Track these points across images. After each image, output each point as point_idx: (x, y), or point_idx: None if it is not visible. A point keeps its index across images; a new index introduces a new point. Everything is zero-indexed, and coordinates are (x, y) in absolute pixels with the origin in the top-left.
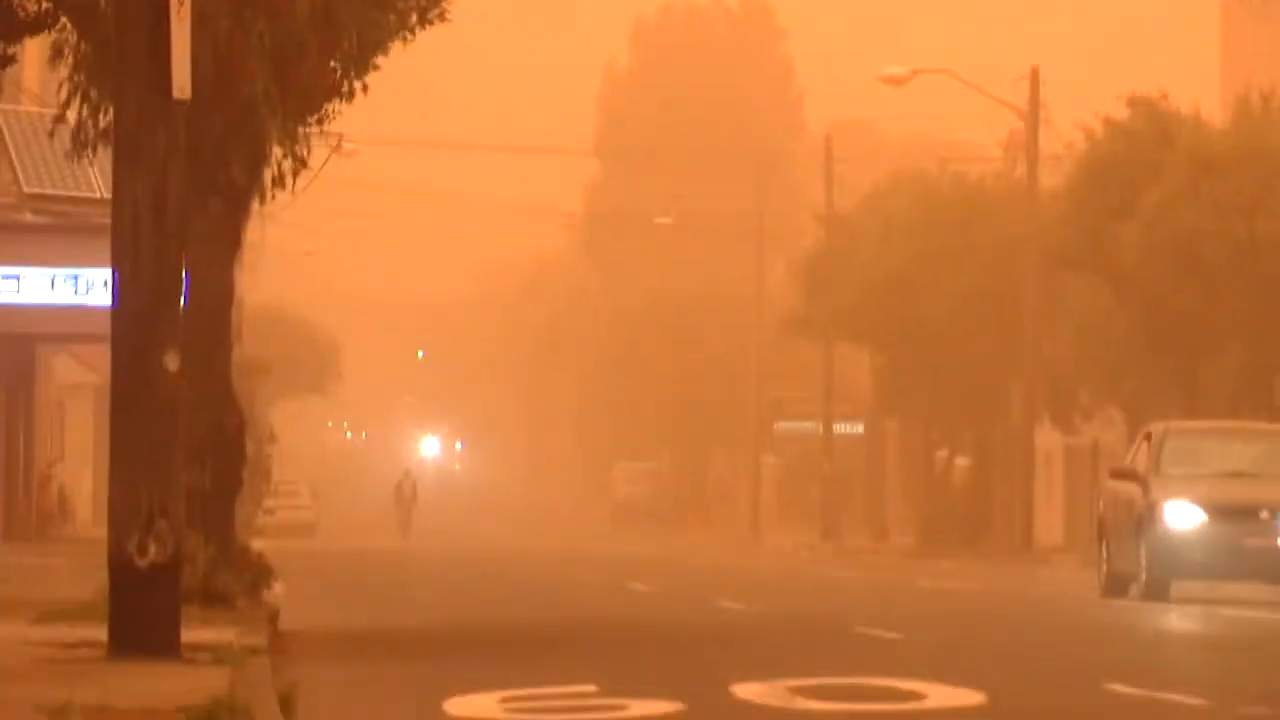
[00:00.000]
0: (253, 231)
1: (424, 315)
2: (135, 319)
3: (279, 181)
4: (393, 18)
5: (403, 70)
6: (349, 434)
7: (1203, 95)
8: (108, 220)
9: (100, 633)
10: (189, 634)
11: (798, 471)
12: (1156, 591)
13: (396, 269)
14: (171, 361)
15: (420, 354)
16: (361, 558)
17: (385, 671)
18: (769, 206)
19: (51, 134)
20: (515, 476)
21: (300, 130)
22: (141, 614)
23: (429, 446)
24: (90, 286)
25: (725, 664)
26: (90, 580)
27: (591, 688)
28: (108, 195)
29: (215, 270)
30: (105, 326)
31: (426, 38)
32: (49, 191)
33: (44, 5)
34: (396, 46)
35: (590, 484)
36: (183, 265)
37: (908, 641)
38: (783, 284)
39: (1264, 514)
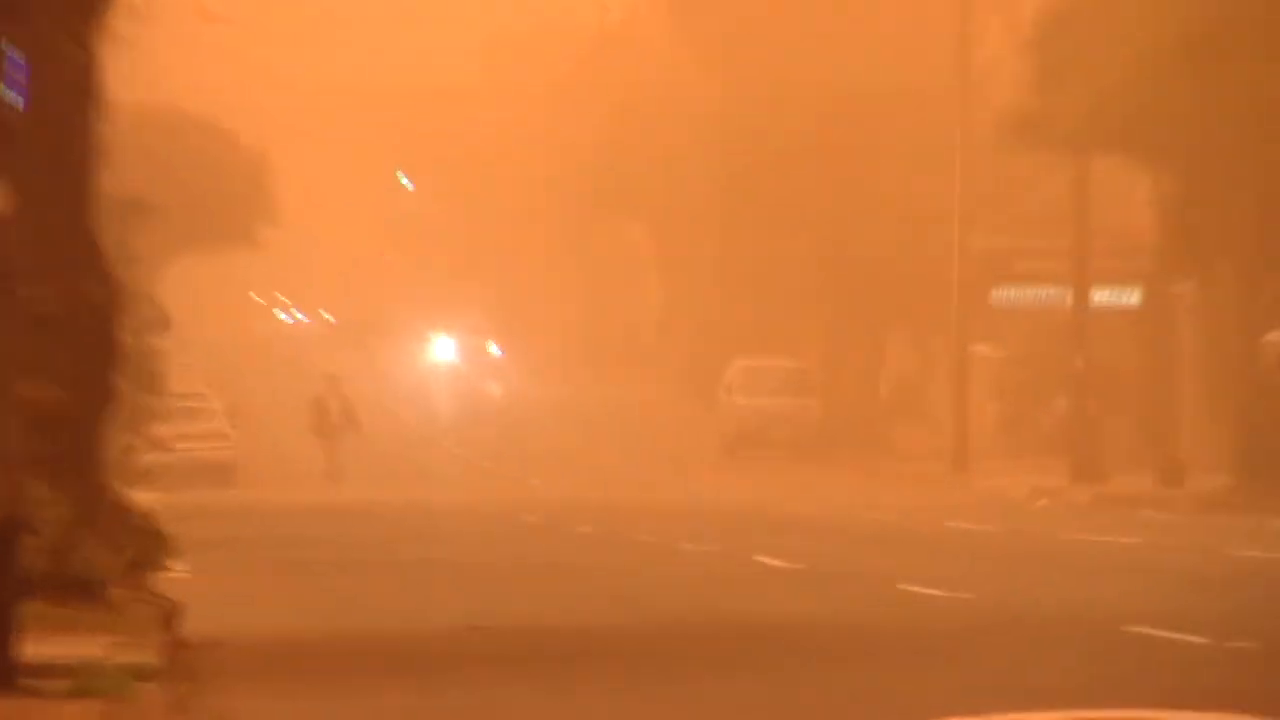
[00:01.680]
0: None
1: (409, 116)
2: None
3: None
4: None
5: None
6: (292, 315)
7: None
8: None
9: None
10: (34, 646)
11: (1030, 369)
12: None
13: (362, 46)
14: None
15: (403, 179)
16: (309, 518)
17: (344, 709)
18: None
19: None
20: (576, 389)
21: None
22: None
23: (441, 348)
24: None
25: (919, 691)
26: None
27: None
28: None
29: (65, 45)
30: None
31: None
32: None
33: None
34: None
35: (691, 395)
36: (10, 32)
37: (1217, 649)
38: (1001, 66)
39: None
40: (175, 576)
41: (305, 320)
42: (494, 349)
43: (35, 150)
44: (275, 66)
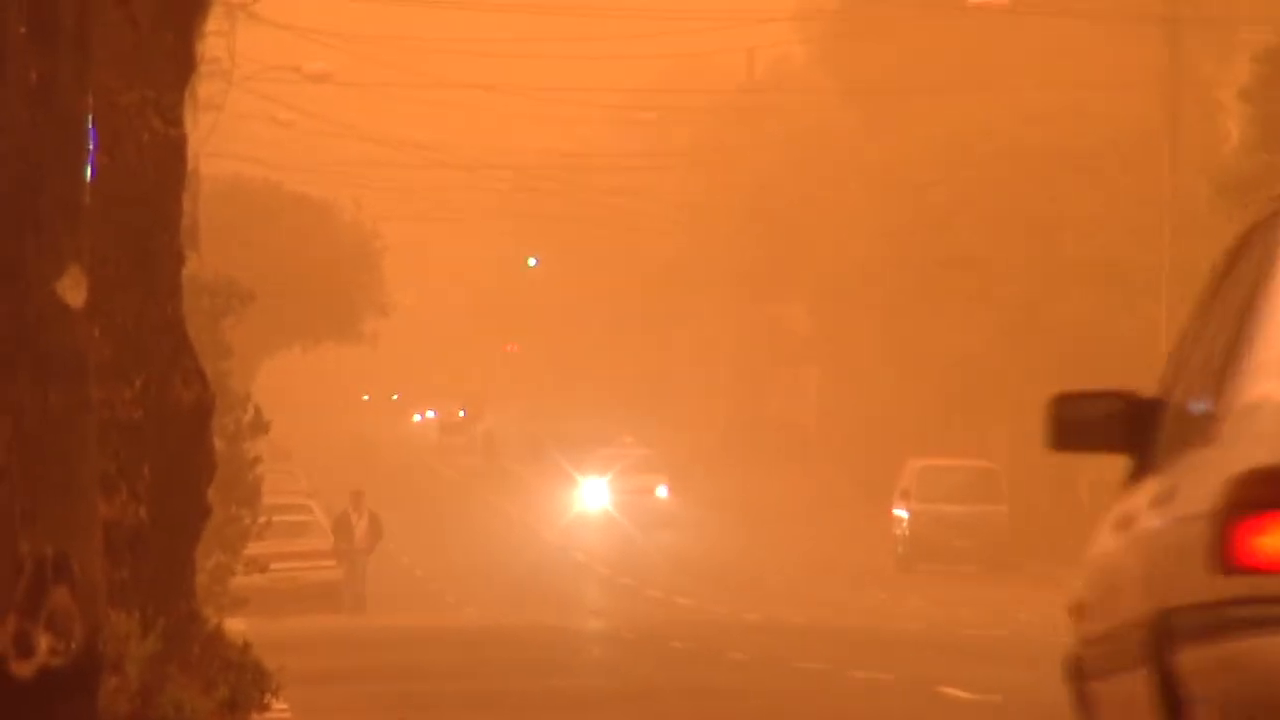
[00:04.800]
0: (212, 44)
1: (537, 188)
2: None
3: None
4: None
5: None
6: (423, 415)
7: None
8: None
9: None
10: None
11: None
12: None
13: (484, 110)
14: (72, 290)
15: (532, 261)
16: (432, 645)
17: None
18: None
19: None
20: (730, 493)
21: None
22: None
23: (592, 495)
24: None
25: None
26: None
27: None
28: None
29: (150, 116)
30: None
31: None
32: None
33: None
34: None
35: (861, 499)
36: (88, 104)
37: None
38: (1219, 114)
39: None
40: (277, 718)
41: (430, 418)
42: (662, 492)
43: (110, 232)
44: (386, 134)
